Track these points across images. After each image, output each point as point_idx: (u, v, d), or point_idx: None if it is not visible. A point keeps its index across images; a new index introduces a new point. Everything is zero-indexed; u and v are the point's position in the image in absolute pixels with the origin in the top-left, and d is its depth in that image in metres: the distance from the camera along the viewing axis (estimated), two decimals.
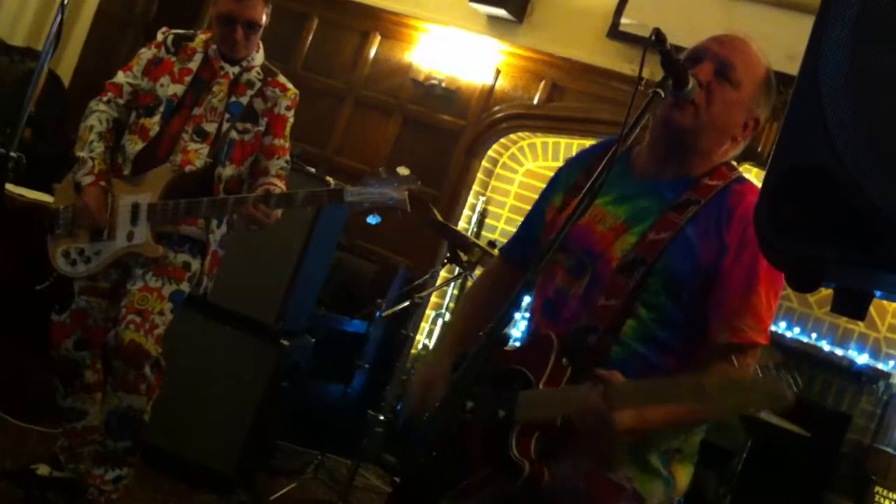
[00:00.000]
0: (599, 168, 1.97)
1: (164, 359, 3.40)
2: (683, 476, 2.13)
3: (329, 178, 4.57)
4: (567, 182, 2.29)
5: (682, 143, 2.13)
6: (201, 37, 3.60)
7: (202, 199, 3.33)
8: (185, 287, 3.43)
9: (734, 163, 2.18)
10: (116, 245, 3.38)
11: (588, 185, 1.90)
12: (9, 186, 3.80)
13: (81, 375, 3.51)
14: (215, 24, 3.51)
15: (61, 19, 2.52)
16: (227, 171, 3.46)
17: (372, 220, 3.29)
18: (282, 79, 3.63)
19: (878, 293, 1.18)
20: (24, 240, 4.22)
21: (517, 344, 2.28)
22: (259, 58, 3.61)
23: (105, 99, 3.51)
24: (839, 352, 5.36)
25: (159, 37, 3.60)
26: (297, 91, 3.66)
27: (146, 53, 3.57)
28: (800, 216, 1.09)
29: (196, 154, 3.42)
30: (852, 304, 1.17)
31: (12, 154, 2.57)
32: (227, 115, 3.47)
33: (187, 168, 3.39)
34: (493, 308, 2.30)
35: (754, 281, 1.99)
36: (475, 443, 2.08)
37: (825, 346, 5.38)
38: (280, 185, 3.46)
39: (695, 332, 1.92)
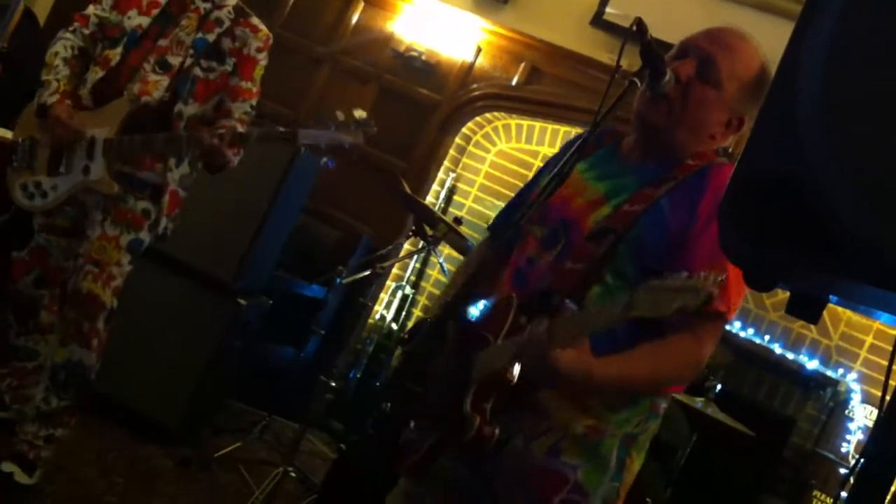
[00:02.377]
0: (570, 152, 1.98)
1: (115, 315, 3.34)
2: (635, 465, 2.13)
3: None
4: (556, 166, 2.29)
5: (656, 140, 2.13)
6: None
7: (158, 135, 3.26)
8: (143, 235, 3.37)
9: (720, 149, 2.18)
10: (73, 179, 3.31)
11: (558, 168, 1.90)
12: None
13: (37, 315, 3.46)
14: None
15: None
16: (189, 108, 3.38)
17: (329, 163, 3.26)
18: (255, 20, 3.54)
19: (833, 299, 1.19)
20: None
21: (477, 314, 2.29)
22: None
23: (71, 29, 3.47)
24: (790, 356, 5.42)
25: None
26: (269, 33, 3.56)
27: None
28: (762, 218, 1.09)
29: (155, 85, 3.33)
30: (807, 308, 1.18)
31: None
32: (191, 51, 3.38)
33: (143, 98, 3.30)
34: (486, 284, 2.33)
35: (721, 255, 1.99)
36: (427, 413, 2.08)
37: (777, 350, 5.44)
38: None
39: None
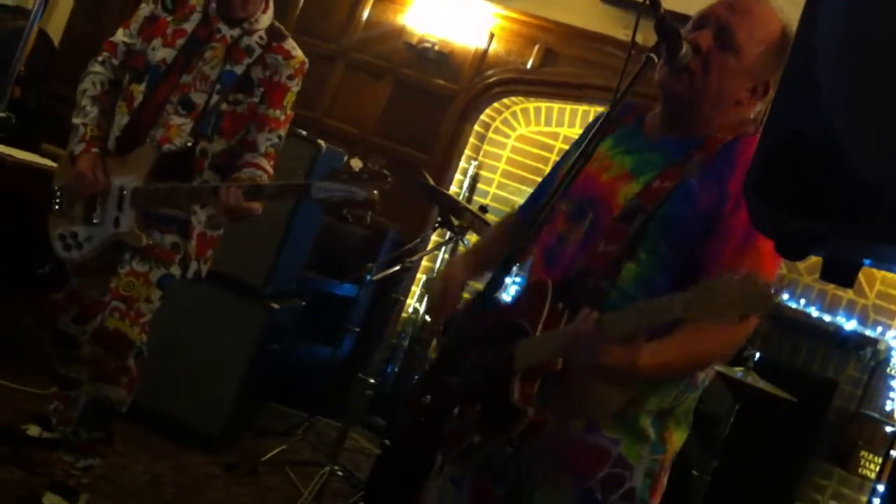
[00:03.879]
0: (593, 130, 1.97)
1: (146, 349, 3.30)
2: (677, 439, 2.11)
3: (321, 141, 4.56)
4: (579, 141, 2.29)
5: (680, 111, 2.12)
6: None
7: (182, 188, 3.20)
8: (174, 270, 3.29)
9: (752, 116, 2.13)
10: (105, 231, 3.27)
11: (583, 147, 1.89)
12: (1, 147, 3.76)
13: (78, 348, 3.46)
14: None
15: None
16: (215, 145, 3.26)
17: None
18: (288, 44, 3.35)
19: (867, 262, 1.18)
20: (12, 199, 4.21)
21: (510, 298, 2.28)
22: (265, 19, 3.34)
23: (100, 59, 3.37)
24: (827, 318, 5.39)
25: None
26: (304, 59, 3.37)
27: (144, 10, 3.37)
28: (789, 187, 1.08)
29: (178, 130, 3.21)
30: (841, 273, 1.17)
31: (1, 115, 2.53)
32: (217, 86, 3.23)
33: (165, 147, 3.20)
34: (496, 253, 2.33)
35: (754, 231, 1.97)
36: (468, 407, 2.07)
37: (813, 313, 5.40)
38: (265, 168, 3.26)
39: (692, 279, 1.91)
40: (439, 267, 6.26)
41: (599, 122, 1.99)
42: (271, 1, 3.39)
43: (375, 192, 2.92)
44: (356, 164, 2.95)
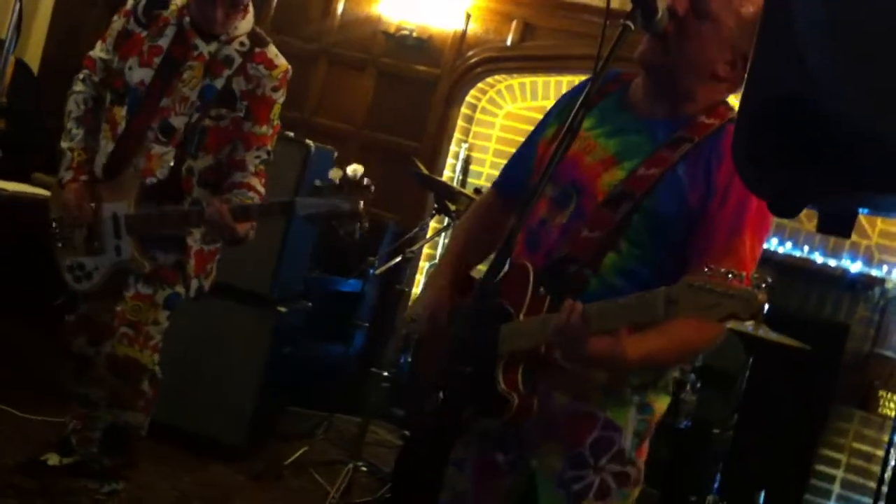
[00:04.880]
0: (577, 105, 1.97)
1: (160, 370, 3.34)
2: (659, 403, 2.15)
3: (308, 141, 4.55)
4: (560, 116, 2.26)
5: (661, 82, 2.11)
6: (177, 2, 3.26)
7: (172, 213, 3.20)
8: (179, 289, 3.30)
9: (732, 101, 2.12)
10: (109, 259, 3.28)
11: (568, 122, 1.89)
12: None
13: (94, 368, 3.46)
14: None
15: (20, 8, 2.48)
16: (200, 162, 3.23)
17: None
18: (271, 51, 3.27)
19: (862, 211, 1.18)
20: (10, 232, 4.21)
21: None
22: (245, 24, 3.25)
23: (81, 77, 3.36)
24: (832, 262, 5.38)
25: (129, 3, 3.31)
26: (287, 66, 3.30)
27: (117, 23, 3.32)
28: (777, 146, 1.08)
29: (159, 161, 3.19)
30: (838, 224, 1.18)
31: None
32: (198, 104, 3.18)
33: (148, 180, 3.19)
34: (481, 240, 2.37)
35: (740, 226, 1.98)
36: (462, 384, 2.10)
37: (818, 259, 5.40)
38: (256, 189, 3.23)
39: (676, 274, 1.94)
40: (440, 253, 6.26)
41: (584, 92, 1.97)
42: (250, 6, 3.29)
43: (360, 203, 2.91)
44: (336, 174, 2.95)
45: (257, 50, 3.24)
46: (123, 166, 3.23)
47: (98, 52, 3.37)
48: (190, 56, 3.20)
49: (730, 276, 1.63)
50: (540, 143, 2.28)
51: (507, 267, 2.13)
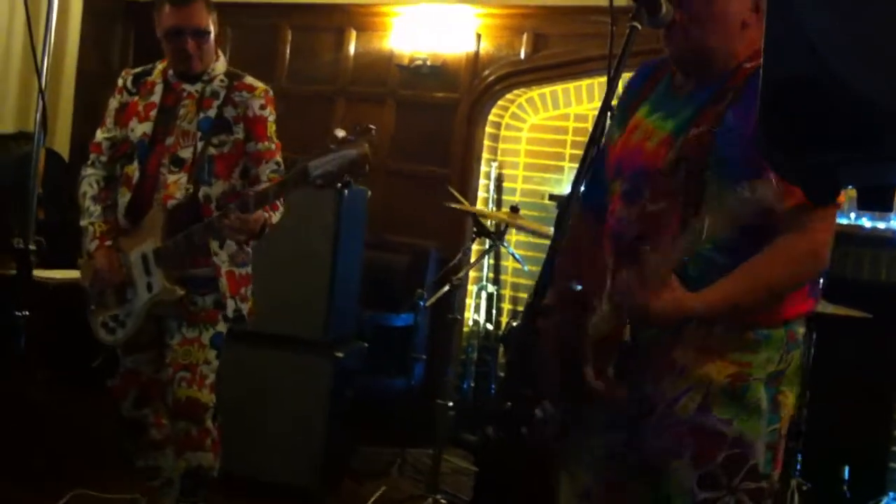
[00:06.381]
0: (598, 112, 1.97)
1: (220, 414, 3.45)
2: (790, 402, 2.08)
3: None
4: (620, 117, 2.26)
5: (699, 62, 2.12)
6: (159, 67, 3.53)
7: (196, 228, 3.29)
8: (221, 328, 3.44)
9: None
10: (141, 300, 3.40)
11: (588, 138, 1.90)
12: (37, 272, 3.83)
13: (147, 433, 3.56)
14: (165, 43, 3.42)
15: (44, 106, 2.53)
16: (216, 188, 3.41)
17: (350, 185, 3.19)
18: (248, 80, 3.51)
19: None
20: (67, 320, 4.28)
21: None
22: (220, 66, 3.51)
23: (90, 162, 3.56)
24: (881, 225, 5.30)
25: (119, 82, 3.57)
26: (266, 87, 3.53)
27: (112, 103, 3.57)
28: (800, 129, 1.07)
29: (176, 185, 3.37)
30: (877, 198, 1.16)
31: (31, 247, 2.58)
32: (199, 134, 3.40)
33: (169, 203, 3.35)
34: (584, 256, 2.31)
35: None
36: (552, 384, 2.09)
37: (866, 223, 5.32)
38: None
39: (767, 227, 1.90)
40: (486, 274, 6.26)
41: (627, 88, 1.98)
42: (219, 51, 3.55)
43: (366, 144, 3.00)
44: (340, 132, 3.01)
45: (236, 82, 3.49)
46: (145, 209, 3.39)
47: (100, 136, 3.58)
48: (181, 98, 3.46)
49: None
50: (610, 148, 2.27)
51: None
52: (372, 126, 3.04)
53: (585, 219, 2.31)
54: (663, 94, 2.20)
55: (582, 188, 2.37)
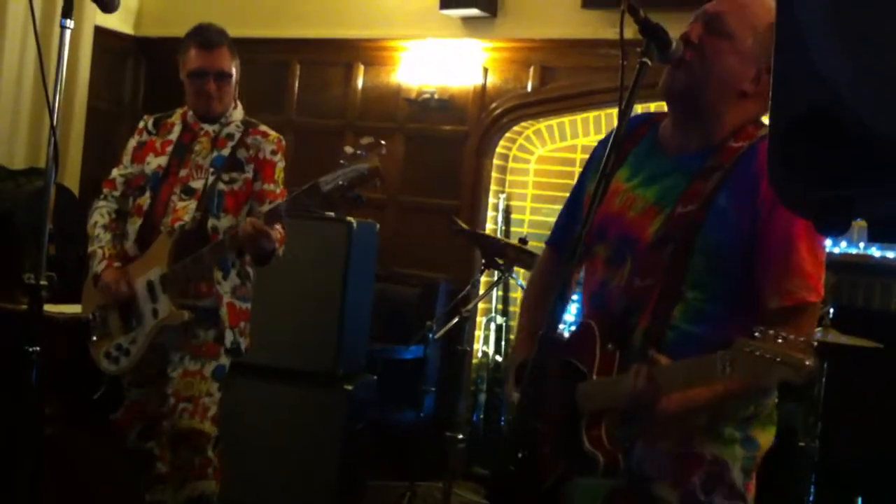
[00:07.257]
0: (604, 156, 1.99)
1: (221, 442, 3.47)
2: (764, 436, 2.13)
3: (349, 218, 4.60)
4: (599, 165, 2.28)
5: (688, 110, 2.12)
6: (179, 111, 3.67)
7: (204, 250, 3.34)
8: (223, 361, 3.49)
9: (764, 119, 2.11)
10: (147, 326, 3.43)
11: (599, 173, 1.91)
12: (48, 307, 3.85)
13: (153, 467, 3.56)
14: (188, 84, 3.57)
15: (56, 142, 2.55)
16: (223, 222, 3.47)
17: (360, 200, 3.21)
18: (263, 127, 3.64)
19: None
20: (76, 354, 4.28)
21: (567, 333, 2.31)
22: (238, 114, 3.64)
23: (102, 196, 3.64)
24: (891, 255, 5.29)
25: (140, 124, 3.71)
26: (279, 136, 3.66)
27: (131, 143, 3.68)
28: (812, 164, 1.08)
29: (185, 210, 3.45)
30: (887, 230, 1.17)
31: (43, 282, 2.60)
32: (211, 169, 3.50)
33: (177, 225, 3.42)
34: (548, 300, 2.34)
35: (792, 239, 1.97)
36: (548, 440, 2.11)
37: (875, 253, 5.32)
38: (277, 228, 3.37)
39: (744, 299, 1.92)
40: (495, 305, 6.26)
41: (611, 137, 2.00)
42: (237, 100, 3.66)
43: (377, 158, 3.04)
44: (349, 148, 3.05)
45: (251, 129, 3.62)
46: (153, 237, 3.45)
47: (115, 173, 3.67)
48: (197, 136, 3.58)
49: (779, 339, 1.64)
50: (584, 198, 2.28)
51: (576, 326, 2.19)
52: (382, 141, 3.11)
53: (559, 262, 2.34)
54: (644, 153, 2.19)
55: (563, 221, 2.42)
